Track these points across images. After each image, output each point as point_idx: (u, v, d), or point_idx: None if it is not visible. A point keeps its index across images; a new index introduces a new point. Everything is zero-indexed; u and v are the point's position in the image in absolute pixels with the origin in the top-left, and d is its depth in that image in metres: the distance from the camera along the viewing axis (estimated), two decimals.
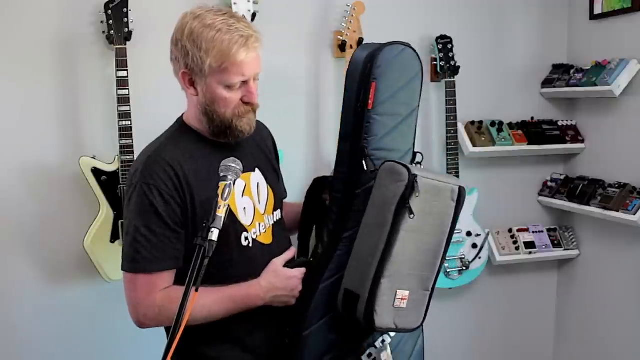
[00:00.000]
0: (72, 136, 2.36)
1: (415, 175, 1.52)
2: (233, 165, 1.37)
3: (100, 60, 2.36)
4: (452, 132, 2.68)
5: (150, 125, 1.71)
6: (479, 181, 2.84)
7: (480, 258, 2.79)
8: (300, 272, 1.62)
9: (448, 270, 2.73)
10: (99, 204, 2.28)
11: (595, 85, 2.64)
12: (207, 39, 1.46)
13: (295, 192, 2.02)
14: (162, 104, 2.00)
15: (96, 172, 2.26)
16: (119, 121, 2.25)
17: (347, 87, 1.70)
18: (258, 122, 1.64)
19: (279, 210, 1.73)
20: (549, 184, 2.99)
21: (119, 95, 2.24)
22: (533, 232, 2.95)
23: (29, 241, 2.36)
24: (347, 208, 1.66)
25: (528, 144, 2.84)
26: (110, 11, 2.23)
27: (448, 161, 2.68)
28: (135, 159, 1.96)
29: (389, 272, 1.53)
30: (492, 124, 2.83)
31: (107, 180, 2.27)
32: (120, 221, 2.27)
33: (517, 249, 2.91)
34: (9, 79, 2.29)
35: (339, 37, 2.55)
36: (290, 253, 1.68)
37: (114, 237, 2.29)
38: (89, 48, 2.34)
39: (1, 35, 2.26)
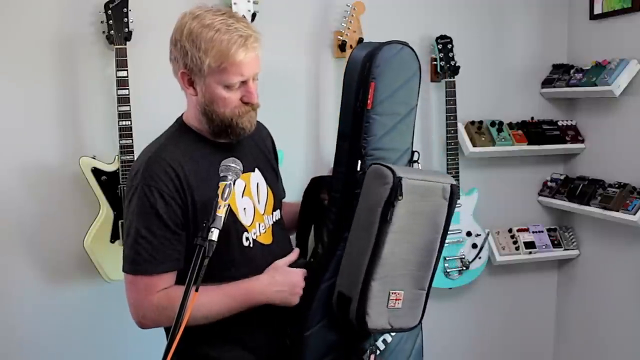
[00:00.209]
0: (72, 136, 2.37)
1: (400, 178, 1.51)
2: (233, 165, 1.37)
3: (100, 60, 2.36)
4: (452, 132, 2.68)
5: (150, 125, 1.70)
6: (479, 181, 2.84)
7: (480, 258, 2.79)
8: (301, 270, 1.62)
9: (448, 270, 2.73)
10: (99, 204, 2.28)
11: (595, 85, 2.64)
12: (206, 39, 1.45)
13: (295, 192, 2.01)
14: (162, 104, 2.00)
15: (96, 172, 2.26)
16: (119, 121, 2.25)
17: (345, 87, 1.69)
18: (257, 122, 1.63)
19: (278, 211, 1.72)
20: (549, 184, 2.99)
21: (119, 95, 2.24)
22: (533, 232, 2.95)
23: (29, 241, 2.37)
24: (346, 208, 1.65)
25: (528, 144, 2.84)
26: (110, 11, 2.24)
27: (448, 161, 2.68)
28: (135, 159, 1.97)
29: (379, 274, 1.52)
30: (492, 124, 2.83)
31: (107, 180, 2.27)
32: (120, 221, 2.27)
33: (517, 249, 2.91)
34: (9, 79, 2.29)
35: (339, 37, 2.55)
36: (294, 255, 1.67)
37: (114, 237, 2.29)
38: (89, 48, 2.35)
39: (1, 35, 2.26)
